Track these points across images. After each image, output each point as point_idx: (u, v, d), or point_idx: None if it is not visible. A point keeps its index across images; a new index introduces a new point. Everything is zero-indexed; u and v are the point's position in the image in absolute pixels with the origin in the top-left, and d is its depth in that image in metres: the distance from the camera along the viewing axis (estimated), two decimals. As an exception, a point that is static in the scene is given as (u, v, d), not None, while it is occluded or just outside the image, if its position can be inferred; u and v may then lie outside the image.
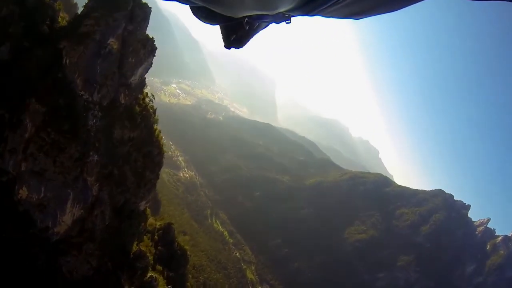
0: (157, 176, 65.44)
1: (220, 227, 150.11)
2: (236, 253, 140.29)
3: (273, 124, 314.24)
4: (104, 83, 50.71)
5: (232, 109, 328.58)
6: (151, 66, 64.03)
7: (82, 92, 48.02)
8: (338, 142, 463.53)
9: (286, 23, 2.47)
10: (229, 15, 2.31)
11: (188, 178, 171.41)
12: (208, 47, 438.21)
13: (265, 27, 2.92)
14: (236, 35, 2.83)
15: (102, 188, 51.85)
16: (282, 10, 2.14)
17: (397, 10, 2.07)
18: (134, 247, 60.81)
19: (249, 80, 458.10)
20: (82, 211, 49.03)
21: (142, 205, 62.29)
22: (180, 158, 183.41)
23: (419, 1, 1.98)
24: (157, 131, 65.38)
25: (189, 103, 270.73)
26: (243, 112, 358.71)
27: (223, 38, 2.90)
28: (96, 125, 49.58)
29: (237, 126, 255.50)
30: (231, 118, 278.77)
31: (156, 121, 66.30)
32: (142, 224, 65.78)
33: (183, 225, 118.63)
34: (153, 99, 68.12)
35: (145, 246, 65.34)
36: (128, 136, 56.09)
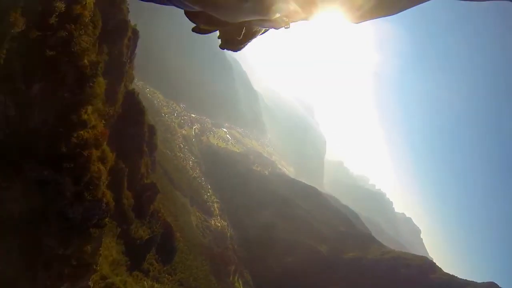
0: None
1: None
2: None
3: (319, 188, 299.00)
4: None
5: (279, 165, 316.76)
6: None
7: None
8: (381, 216, 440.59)
9: (285, 28, 2.42)
10: (227, 20, 2.32)
11: (219, 227, 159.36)
12: (266, 100, 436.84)
13: (264, 33, 2.90)
14: (235, 39, 2.82)
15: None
16: (281, 15, 2.13)
17: (396, 13, 2.05)
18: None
19: (301, 139, 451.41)
20: None
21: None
22: (215, 205, 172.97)
23: (417, 4, 1.98)
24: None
25: (237, 150, 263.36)
26: (290, 171, 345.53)
27: (221, 40, 2.93)
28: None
29: (281, 184, 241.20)
30: (276, 175, 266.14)
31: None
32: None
33: (198, 279, 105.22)
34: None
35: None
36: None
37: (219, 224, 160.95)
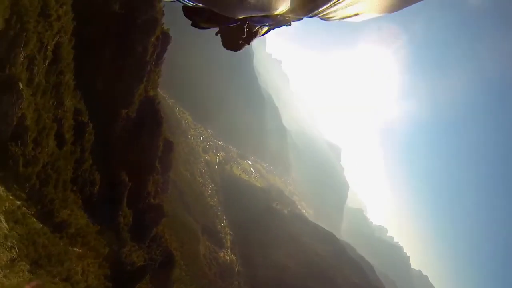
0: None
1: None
2: None
3: (336, 234, 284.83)
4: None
5: (299, 206, 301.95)
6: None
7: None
8: (396, 271, 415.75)
9: (286, 26, 2.50)
10: (228, 15, 2.27)
11: (228, 261, 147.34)
12: (294, 138, 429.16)
13: (266, 34, 3.01)
14: (235, 38, 2.80)
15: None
16: (281, 11, 2.12)
17: (398, 10, 2.01)
18: None
19: (324, 182, 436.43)
20: None
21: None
22: (228, 237, 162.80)
23: (419, 1, 1.95)
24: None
25: (259, 185, 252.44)
26: (309, 213, 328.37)
27: (222, 39, 2.91)
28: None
29: (299, 225, 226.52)
30: (296, 216, 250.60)
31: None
32: None
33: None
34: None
35: None
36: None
37: (228, 258, 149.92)
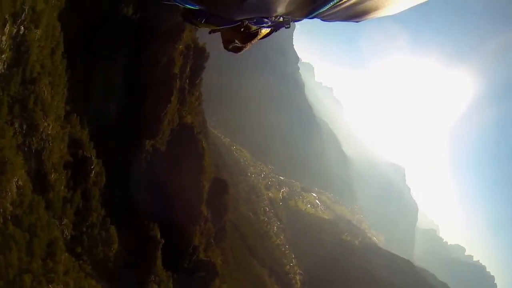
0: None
1: None
2: None
3: (410, 259, 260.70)
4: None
5: (369, 234, 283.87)
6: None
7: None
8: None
9: (286, 28, 2.39)
10: (227, 17, 2.21)
11: None
12: (356, 163, 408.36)
13: (267, 36, 2.83)
14: (236, 40, 2.72)
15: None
16: (280, 13, 2.06)
17: (399, 11, 1.98)
18: None
19: (392, 206, 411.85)
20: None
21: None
22: (297, 277, 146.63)
23: (421, 2, 1.92)
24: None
25: (326, 217, 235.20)
26: (380, 240, 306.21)
27: (223, 41, 2.82)
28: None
29: (372, 256, 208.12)
30: (367, 246, 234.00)
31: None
32: None
33: None
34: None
35: None
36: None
37: None
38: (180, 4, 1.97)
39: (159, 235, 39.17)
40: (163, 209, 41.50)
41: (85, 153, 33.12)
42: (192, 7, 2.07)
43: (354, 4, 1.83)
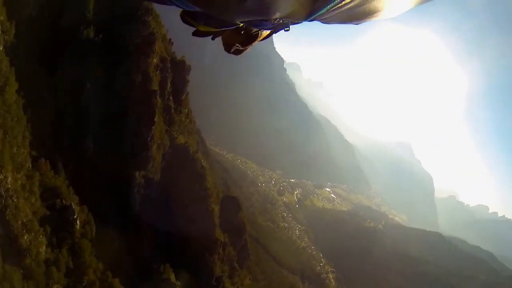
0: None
1: None
2: None
3: (434, 229, 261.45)
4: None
5: (390, 216, 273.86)
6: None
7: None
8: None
9: (285, 30, 2.34)
10: (226, 19, 2.16)
11: None
12: (362, 150, 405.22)
13: (267, 38, 2.81)
14: (236, 42, 2.67)
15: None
16: (279, 15, 2.00)
17: (399, 14, 1.96)
18: None
19: (406, 183, 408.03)
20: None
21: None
22: (330, 275, 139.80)
23: (422, 3, 1.90)
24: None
25: (345, 209, 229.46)
26: (403, 219, 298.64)
27: (223, 44, 2.75)
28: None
29: (399, 237, 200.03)
30: (391, 227, 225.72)
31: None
32: None
33: None
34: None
35: None
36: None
37: None
38: (179, 6, 1.94)
39: (173, 277, 33.14)
40: (172, 247, 35.56)
41: (63, 202, 27.37)
42: (191, 9, 2.03)
43: (354, 7, 1.77)
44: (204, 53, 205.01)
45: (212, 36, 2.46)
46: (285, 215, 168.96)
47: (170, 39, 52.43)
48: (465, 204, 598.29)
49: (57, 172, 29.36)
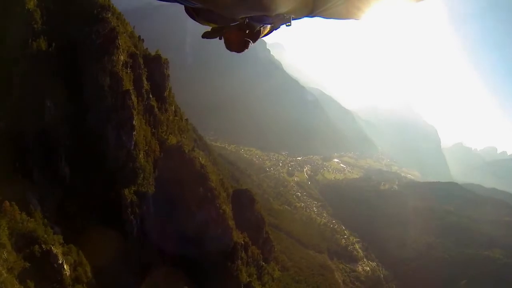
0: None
1: None
2: None
3: (448, 179, 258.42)
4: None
5: (403, 174, 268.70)
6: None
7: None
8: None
9: (286, 26, 2.34)
10: (227, 15, 2.19)
11: (369, 272, 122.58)
12: (361, 115, 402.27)
13: (269, 34, 2.84)
14: (238, 39, 2.67)
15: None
16: (281, 11, 2.02)
17: (401, 9, 1.92)
18: None
19: (411, 139, 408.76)
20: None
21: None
22: (357, 246, 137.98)
23: (419, 0, 1.87)
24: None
25: (357, 176, 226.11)
26: (415, 175, 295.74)
27: (224, 41, 2.78)
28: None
29: (416, 193, 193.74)
30: (407, 185, 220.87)
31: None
32: None
33: None
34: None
35: None
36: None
37: (368, 268, 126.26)
38: (181, 3, 1.94)
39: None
40: (189, 265, 30.35)
41: (43, 247, 22.11)
42: (194, 6, 2.02)
43: (355, 2, 1.78)
44: (185, 52, 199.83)
45: (219, 36, 2.45)
46: (300, 194, 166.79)
47: (139, 36, 46.74)
48: (472, 149, 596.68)
49: (30, 213, 24.09)
